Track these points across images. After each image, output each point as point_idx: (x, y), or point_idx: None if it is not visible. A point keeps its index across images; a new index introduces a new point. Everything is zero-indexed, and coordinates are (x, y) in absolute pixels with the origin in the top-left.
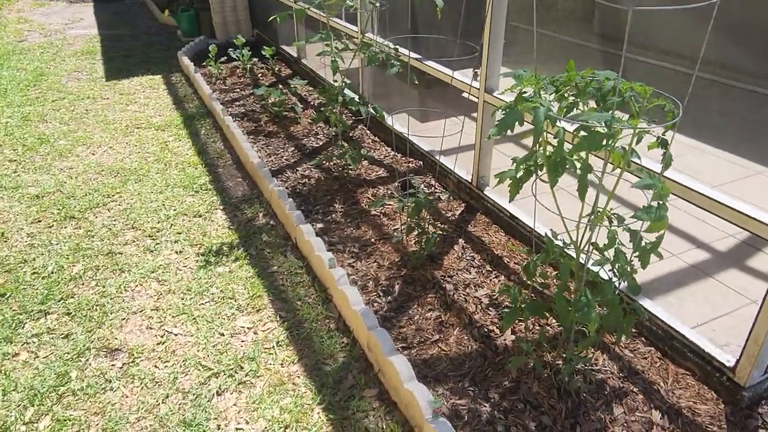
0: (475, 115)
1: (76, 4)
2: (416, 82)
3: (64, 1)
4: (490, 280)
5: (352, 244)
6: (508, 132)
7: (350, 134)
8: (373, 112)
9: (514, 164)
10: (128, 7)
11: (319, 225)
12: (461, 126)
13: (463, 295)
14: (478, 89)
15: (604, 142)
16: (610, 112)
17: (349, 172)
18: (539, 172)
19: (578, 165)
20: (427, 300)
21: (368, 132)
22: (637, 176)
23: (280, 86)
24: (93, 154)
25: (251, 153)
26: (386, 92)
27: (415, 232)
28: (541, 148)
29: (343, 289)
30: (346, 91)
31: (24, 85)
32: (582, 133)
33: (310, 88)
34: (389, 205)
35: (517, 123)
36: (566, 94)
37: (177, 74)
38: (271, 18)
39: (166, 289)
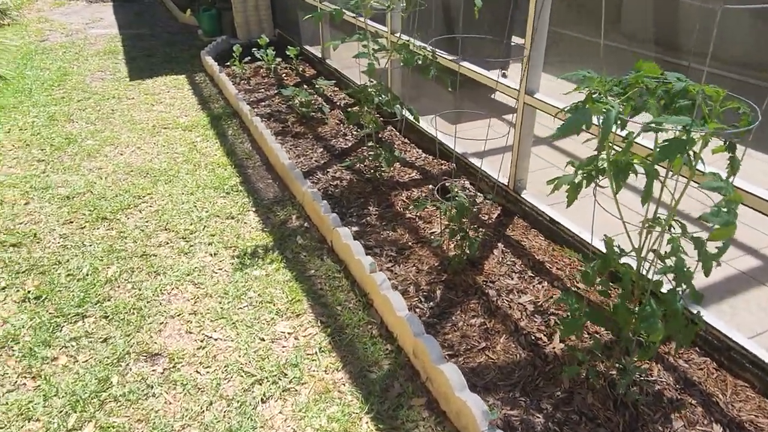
0: (505, 116)
1: (95, 3)
2: (451, 90)
3: (83, 0)
4: (533, 286)
5: (389, 247)
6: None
7: (380, 135)
8: (409, 113)
9: (569, 168)
10: (147, 6)
11: (355, 228)
12: (487, 126)
13: (507, 301)
14: (518, 91)
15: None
16: (683, 115)
17: (382, 174)
18: (599, 177)
19: (643, 170)
20: (470, 306)
21: (398, 133)
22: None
23: (305, 86)
24: (121, 155)
25: (281, 154)
26: (415, 93)
27: (458, 237)
28: (603, 153)
29: (386, 294)
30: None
31: (48, 84)
32: (662, 138)
33: (335, 89)
34: (430, 208)
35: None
36: (633, 96)
37: (201, 74)
38: (306, 17)
39: (203, 292)
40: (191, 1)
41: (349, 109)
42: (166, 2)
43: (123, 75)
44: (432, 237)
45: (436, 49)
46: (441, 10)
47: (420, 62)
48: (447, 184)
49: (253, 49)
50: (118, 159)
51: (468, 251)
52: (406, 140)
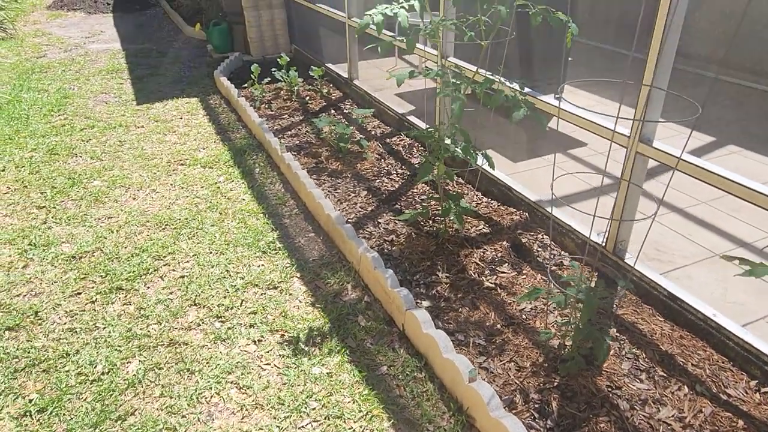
0: (572, 151)
1: (95, 15)
2: (547, 128)
3: (81, 11)
4: (671, 393)
5: (475, 332)
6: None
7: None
8: (484, 160)
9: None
10: (149, 18)
11: (425, 303)
12: (553, 164)
13: (644, 418)
14: (628, 137)
15: None
16: None
17: (447, 230)
18: None
19: None
20: (600, 426)
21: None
22: None
23: (333, 112)
24: (134, 199)
25: (325, 203)
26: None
27: (574, 334)
28: None
29: (498, 418)
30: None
31: (47, 109)
32: None
33: (363, 113)
34: (510, 272)
35: None
36: None
37: (215, 96)
38: (368, 47)
39: (252, 401)
40: (197, 12)
41: (428, 157)
42: (171, 14)
43: (129, 98)
44: (523, 315)
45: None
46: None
47: (506, 100)
48: (524, 241)
49: (273, 69)
50: (131, 205)
51: (597, 356)
52: (459, 180)
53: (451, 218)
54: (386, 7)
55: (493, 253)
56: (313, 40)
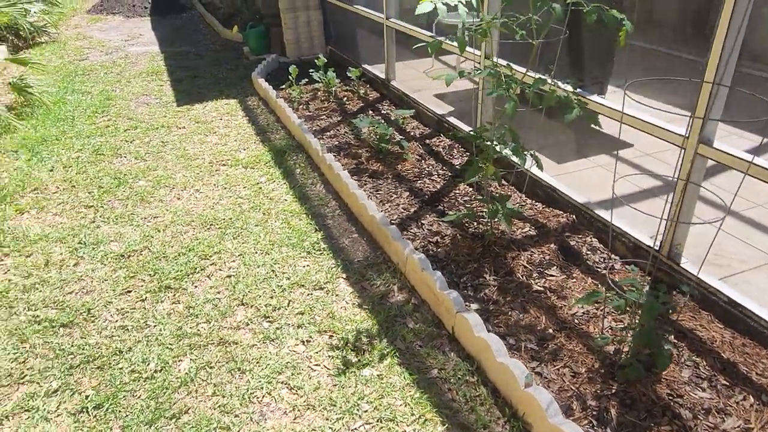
0: (619, 153)
1: (133, 18)
2: (599, 128)
3: (120, 15)
4: (736, 402)
5: (527, 336)
6: None
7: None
8: (532, 161)
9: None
10: (185, 21)
11: (474, 305)
12: (607, 167)
13: (709, 428)
14: (684, 137)
15: None
16: None
17: (494, 232)
18: None
19: None
20: None
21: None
22: None
23: (371, 112)
24: (178, 199)
25: (368, 204)
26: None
27: (634, 340)
28: None
29: (557, 425)
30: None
31: (92, 111)
32: None
33: (403, 114)
34: (558, 275)
35: None
36: None
37: (253, 98)
38: (416, 46)
39: (303, 402)
40: (231, 15)
41: (476, 158)
42: (206, 17)
43: (170, 99)
44: (575, 319)
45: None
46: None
47: (559, 101)
48: (572, 243)
49: (310, 71)
50: (176, 205)
51: (658, 363)
52: (503, 181)
53: (498, 220)
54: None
55: (541, 256)
56: (348, 41)
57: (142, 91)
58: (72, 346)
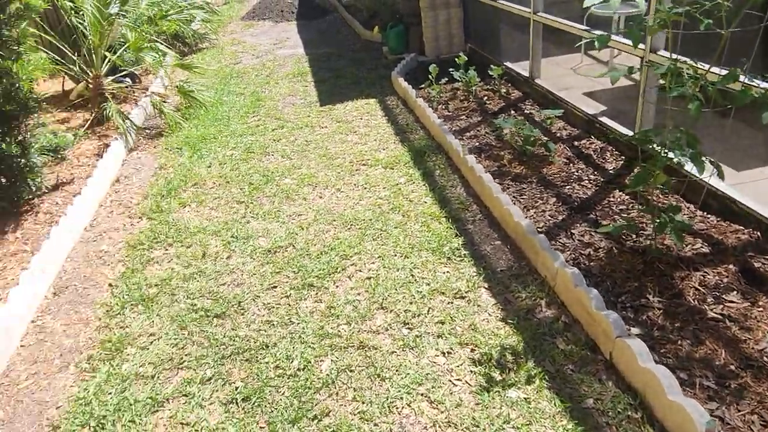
0: None
1: (281, 23)
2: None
3: (269, 21)
4: None
5: (702, 372)
6: None
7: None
8: (714, 168)
9: None
10: (328, 24)
11: (635, 330)
12: None
13: None
14: None
15: None
16: None
17: (659, 247)
18: None
19: None
20: None
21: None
22: None
23: (512, 111)
24: (320, 198)
25: (513, 210)
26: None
27: None
28: None
29: None
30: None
31: (244, 111)
32: None
33: (551, 114)
34: (740, 302)
35: None
36: None
37: (392, 97)
38: (581, 42)
39: (444, 418)
40: (372, 16)
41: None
42: (348, 19)
43: (313, 99)
44: (764, 356)
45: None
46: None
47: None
48: (757, 265)
49: (450, 69)
50: (318, 203)
51: None
52: (664, 189)
53: (667, 234)
54: None
55: (717, 277)
56: (489, 39)
57: (289, 92)
58: (224, 336)
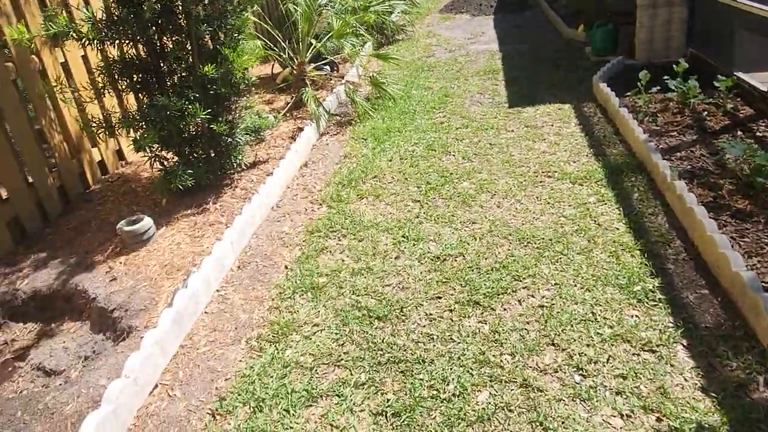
0: None
1: (478, 17)
2: None
3: (467, 14)
4: None
5: None
6: None
7: None
8: None
9: None
10: (527, 19)
11: None
12: None
13: None
14: None
15: None
16: None
17: None
18: None
19: None
20: None
21: None
22: None
23: (738, 132)
24: (498, 207)
25: (730, 255)
26: None
27: None
28: None
29: None
30: None
31: (430, 107)
32: None
33: None
34: None
35: None
36: None
37: (590, 104)
38: None
39: None
40: (576, 12)
41: None
42: (549, 14)
43: (502, 100)
44: None
45: None
46: None
47: None
48: None
49: (665, 78)
50: (495, 213)
51: None
52: None
53: None
54: None
55: None
56: (720, 44)
57: (477, 90)
58: (383, 341)
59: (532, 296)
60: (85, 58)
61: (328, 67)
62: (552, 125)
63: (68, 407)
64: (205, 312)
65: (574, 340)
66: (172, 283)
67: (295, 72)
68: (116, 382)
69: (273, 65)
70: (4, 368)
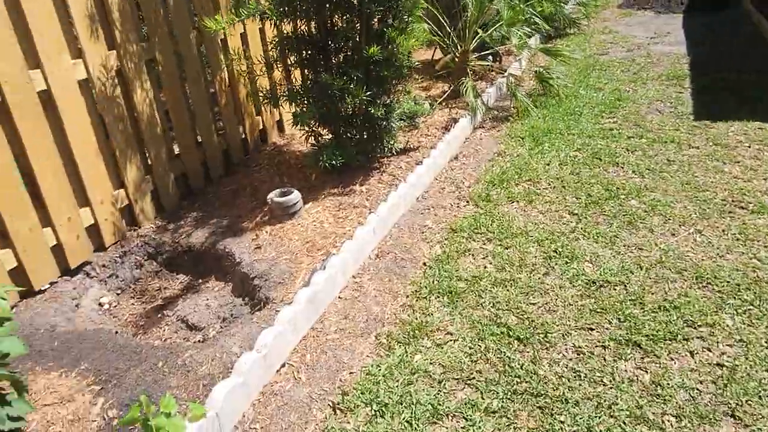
0: None
1: (664, 15)
2: None
3: (651, 10)
4: None
5: None
6: None
7: None
8: None
9: None
10: (723, 19)
11: None
12: None
13: None
14: None
15: None
16: None
17: None
18: None
19: None
20: None
21: None
22: None
23: None
24: (672, 235)
25: None
26: None
27: None
28: None
29: None
30: None
31: (599, 110)
32: None
33: None
34: None
35: None
36: None
37: None
38: None
39: None
40: None
41: None
42: (754, 15)
43: (686, 111)
44: None
45: None
46: None
47: None
48: None
49: None
50: (668, 241)
51: None
52: None
53: None
54: None
55: None
56: None
57: (657, 97)
58: (521, 367)
59: (709, 350)
60: (261, 30)
61: (490, 58)
62: (749, 146)
63: (203, 368)
64: (339, 297)
65: (763, 417)
66: (311, 261)
67: (457, 59)
68: (248, 354)
69: (434, 51)
70: (154, 313)
